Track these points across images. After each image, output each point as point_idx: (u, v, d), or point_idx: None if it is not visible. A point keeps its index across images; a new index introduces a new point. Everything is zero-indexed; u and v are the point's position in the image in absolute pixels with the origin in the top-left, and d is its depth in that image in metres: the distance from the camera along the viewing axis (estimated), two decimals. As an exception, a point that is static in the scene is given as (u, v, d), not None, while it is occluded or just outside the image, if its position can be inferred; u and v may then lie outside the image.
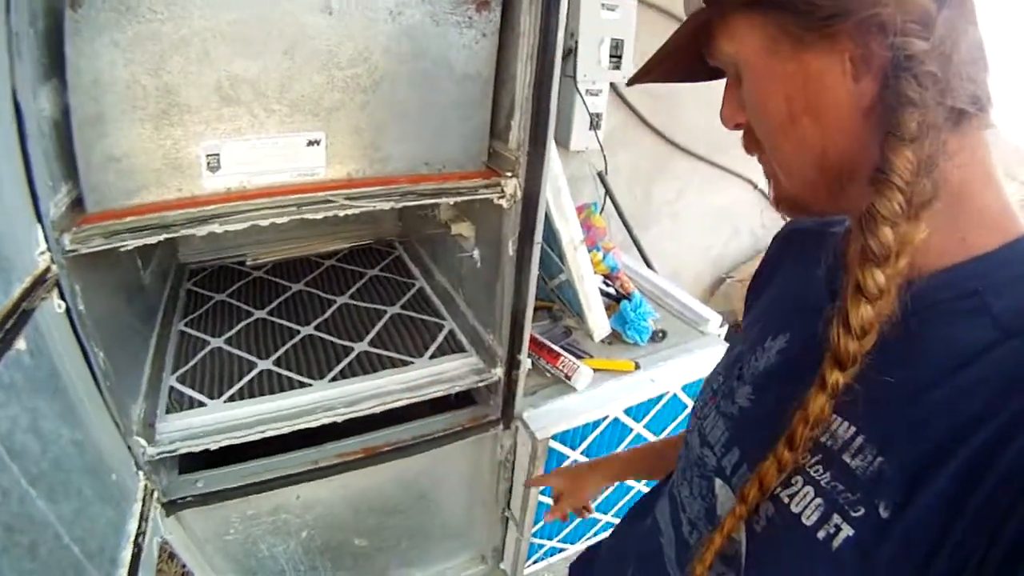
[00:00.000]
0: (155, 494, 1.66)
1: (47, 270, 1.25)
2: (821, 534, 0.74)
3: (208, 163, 1.46)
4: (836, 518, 0.73)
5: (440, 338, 2.19)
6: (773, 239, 1.22)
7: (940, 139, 0.69)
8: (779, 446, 0.77)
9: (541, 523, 2.52)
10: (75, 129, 1.31)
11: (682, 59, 0.94)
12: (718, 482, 0.95)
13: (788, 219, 1.21)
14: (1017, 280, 0.71)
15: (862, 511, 0.71)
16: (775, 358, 0.96)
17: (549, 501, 2.41)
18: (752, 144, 0.90)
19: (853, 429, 0.75)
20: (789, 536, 0.78)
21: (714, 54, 0.88)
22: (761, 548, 0.83)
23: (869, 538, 0.70)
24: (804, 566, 0.77)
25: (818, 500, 0.76)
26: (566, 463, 2.33)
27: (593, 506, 1.79)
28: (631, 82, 1.02)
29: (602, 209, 3.30)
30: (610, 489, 2.73)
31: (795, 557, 0.78)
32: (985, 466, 0.62)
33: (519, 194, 1.71)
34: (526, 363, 2.05)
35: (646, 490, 1.43)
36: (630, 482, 2.79)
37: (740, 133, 0.91)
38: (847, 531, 0.72)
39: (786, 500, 0.80)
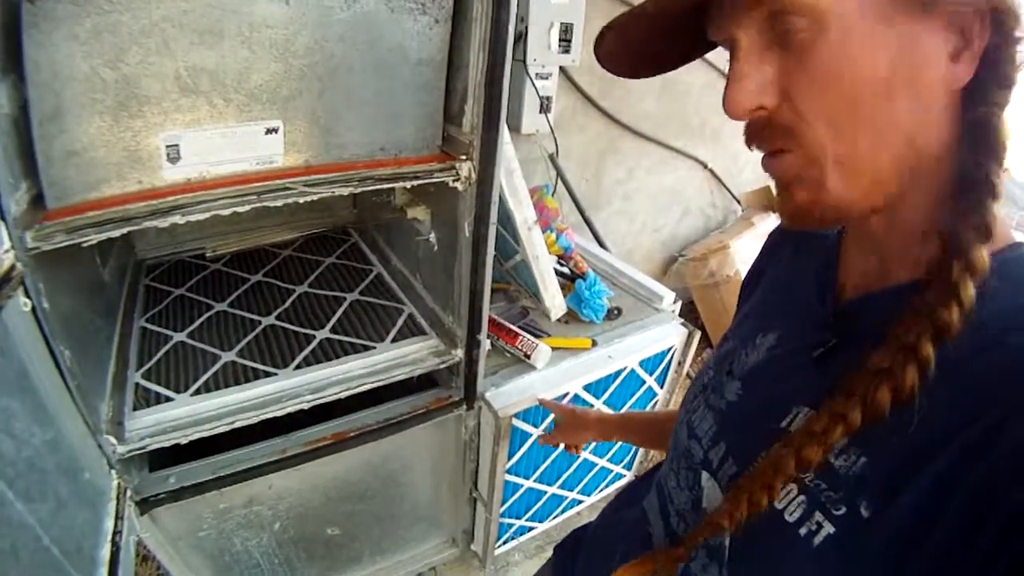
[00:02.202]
0: (128, 492, 1.66)
1: (12, 268, 1.24)
2: (803, 531, 0.76)
3: (168, 154, 1.46)
4: (818, 515, 0.75)
5: (400, 322, 2.21)
6: (769, 235, 1.22)
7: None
8: (851, 410, 0.73)
9: (509, 502, 2.55)
10: (34, 124, 1.30)
11: (663, 28, 0.83)
12: (704, 475, 0.97)
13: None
14: (1004, 287, 0.71)
15: (843, 510, 0.73)
16: (765, 355, 0.98)
17: (516, 479, 2.46)
18: (773, 137, 0.77)
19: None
20: (771, 531, 0.80)
21: (777, 3, 0.70)
22: (744, 542, 0.85)
23: (849, 536, 0.72)
24: (785, 561, 0.79)
25: (801, 497, 0.78)
26: (529, 442, 2.36)
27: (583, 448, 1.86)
28: (599, 39, 0.88)
29: (554, 191, 3.34)
30: (577, 463, 2.77)
31: (777, 552, 0.80)
32: (963, 473, 0.64)
33: (474, 176, 1.74)
34: (486, 343, 2.08)
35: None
36: (600, 461, 2.83)
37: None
38: (828, 528, 0.74)
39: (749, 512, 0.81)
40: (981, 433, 0.64)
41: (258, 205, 1.54)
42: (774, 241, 1.21)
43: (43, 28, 1.23)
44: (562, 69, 3.31)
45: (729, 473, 0.90)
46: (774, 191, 0.84)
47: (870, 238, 0.87)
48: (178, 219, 1.47)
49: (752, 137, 0.80)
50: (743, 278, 1.27)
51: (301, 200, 1.57)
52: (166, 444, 1.68)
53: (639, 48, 0.88)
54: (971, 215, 0.69)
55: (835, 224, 0.85)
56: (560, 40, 2.98)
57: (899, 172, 0.74)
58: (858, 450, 0.74)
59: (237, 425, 1.76)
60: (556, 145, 3.39)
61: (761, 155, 0.81)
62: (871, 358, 0.73)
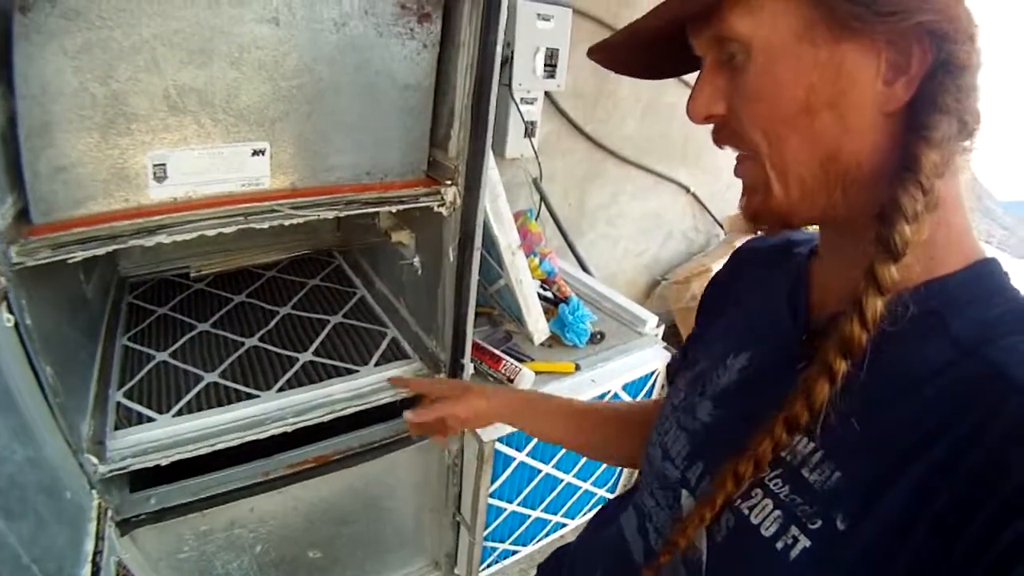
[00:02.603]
0: (109, 512, 1.65)
1: (-4, 283, 1.24)
2: (779, 544, 0.77)
3: (155, 173, 1.46)
4: (794, 529, 0.76)
5: (383, 345, 2.20)
6: (734, 253, 1.24)
7: (951, 151, 0.72)
8: (776, 425, 0.78)
9: (493, 526, 2.54)
10: (22, 138, 1.30)
11: (655, 40, 0.87)
12: (684, 493, 0.98)
13: (758, 233, 1.13)
14: (974, 301, 0.74)
15: (819, 523, 0.74)
16: (736, 375, 0.99)
17: (499, 503, 2.45)
18: (727, 139, 0.86)
19: (812, 445, 0.78)
20: (748, 546, 0.81)
21: (717, 30, 0.79)
22: (721, 557, 0.86)
23: (826, 549, 0.73)
24: (762, 575, 0.80)
25: (777, 512, 0.79)
26: (512, 465, 2.36)
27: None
28: (590, 52, 0.95)
29: (538, 215, 3.34)
30: (560, 487, 2.76)
31: (754, 566, 0.81)
32: (937, 484, 0.65)
33: (459, 202, 1.75)
34: (469, 367, 2.09)
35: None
36: (584, 484, 2.83)
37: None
38: (804, 542, 0.75)
39: (746, 512, 0.83)
40: (956, 441, 0.66)
41: (244, 226, 1.54)
42: (741, 259, 1.23)
43: (34, 41, 1.23)
44: (547, 94, 3.32)
45: (708, 491, 0.90)
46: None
47: (841, 256, 0.91)
48: (164, 239, 1.47)
49: (719, 139, 0.87)
50: (703, 294, 1.29)
51: (287, 223, 1.57)
52: (147, 465, 1.67)
53: (631, 60, 0.95)
54: (880, 232, 0.72)
55: (783, 228, 0.87)
56: (545, 65, 3.01)
57: (828, 184, 0.79)
58: (832, 464, 0.76)
59: (219, 447, 1.75)
60: (540, 169, 3.40)
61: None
62: (803, 374, 0.77)
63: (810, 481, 0.77)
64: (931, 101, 0.72)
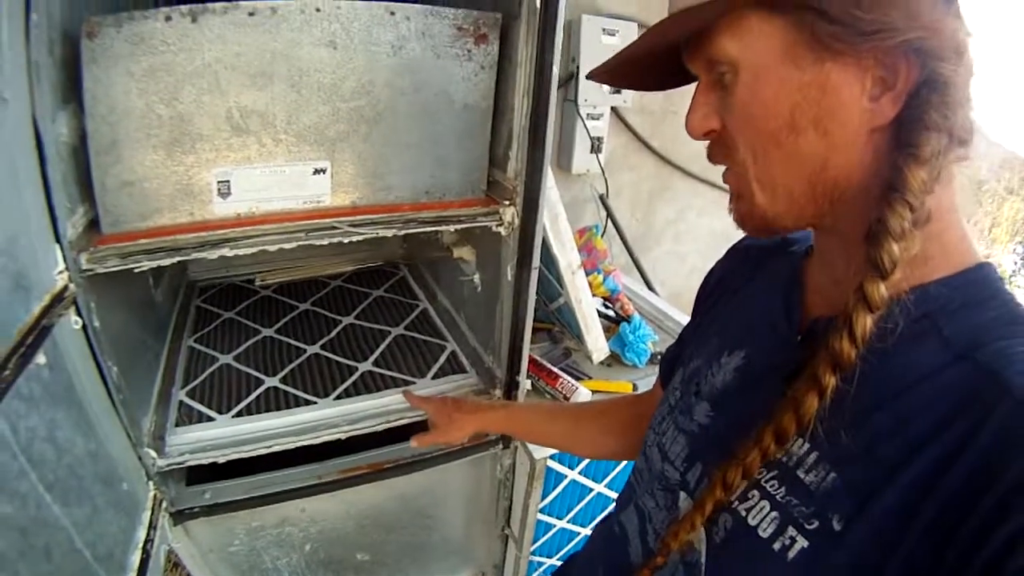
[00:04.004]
0: (163, 504, 1.70)
1: (65, 288, 1.29)
2: (776, 545, 0.79)
3: (219, 189, 1.50)
4: (791, 530, 0.78)
5: (442, 359, 2.22)
6: (729, 251, 1.26)
7: (941, 164, 0.73)
8: (765, 435, 0.80)
9: (541, 541, 2.55)
10: (91, 154, 1.35)
11: (653, 60, 0.92)
12: (682, 495, 0.99)
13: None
14: (968, 305, 0.76)
15: (816, 524, 0.76)
16: (731, 375, 1.01)
17: (549, 519, 2.45)
18: (722, 154, 0.89)
19: (808, 446, 0.80)
20: (746, 547, 0.83)
21: (707, 53, 0.83)
22: (720, 558, 0.88)
23: (823, 549, 0.75)
24: (761, 575, 0.81)
25: (774, 513, 0.80)
26: (564, 483, 2.35)
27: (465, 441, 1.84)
28: (590, 76, 1.01)
29: (603, 231, 3.32)
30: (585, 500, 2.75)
31: (752, 567, 0.83)
32: (932, 485, 0.67)
33: (516, 222, 1.76)
34: (525, 384, 2.09)
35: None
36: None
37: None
38: (802, 542, 0.77)
39: (743, 513, 0.84)
40: (949, 444, 0.67)
41: (305, 242, 1.58)
42: (737, 258, 1.24)
43: (101, 64, 1.28)
44: (614, 109, 3.31)
45: (698, 496, 0.92)
46: None
47: (829, 261, 0.93)
48: (226, 252, 1.51)
49: (712, 153, 0.92)
50: (699, 287, 1.31)
51: (346, 240, 1.61)
52: (204, 462, 1.72)
53: (634, 76, 1.00)
54: (870, 253, 0.74)
55: (770, 232, 0.90)
56: (612, 80, 3.00)
57: (815, 196, 0.82)
58: (828, 466, 0.77)
59: (275, 450, 1.79)
60: (607, 185, 3.40)
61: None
62: (792, 386, 0.79)
63: (806, 482, 0.79)
64: (918, 117, 0.74)
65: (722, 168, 0.92)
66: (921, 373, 0.74)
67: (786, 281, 1.02)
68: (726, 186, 0.93)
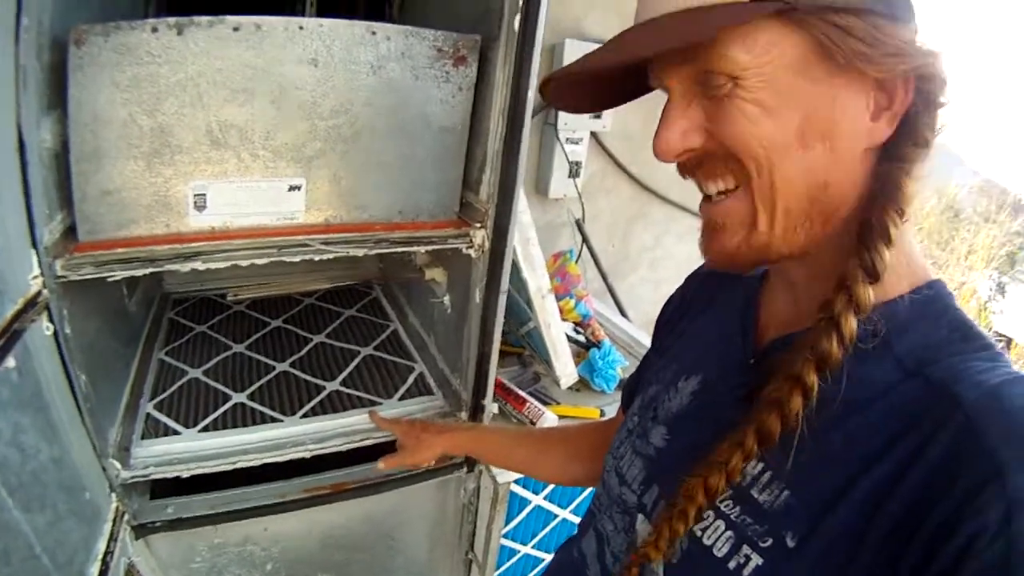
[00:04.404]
0: (125, 516, 1.68)
1: (39, 293, 1.29)
2: (732, 564, 0.80)
3: (195, 202, 1.52)
4: (746, 548, 0.79)
5: (410, 380, 2.22)
6: (687, 279, 1.28)
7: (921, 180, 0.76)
8: (748, 437, 0.80)
9: (505, 566, 2.54)
10: (73, 161, 1.36)
11: (620, 70, 0.88)
12: (640, 517, 1.00)
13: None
14: (918, 323, 0.78)
15: (770, 541, 0.77)
16: (688, 399, 1.02)
17: (513, 545, 2.45)
18: (706, 173, 0.85)
19: (761, 466, 0.82)
20: (702, 567, 0.84)
21: (703, 62, 0.78)
22: None
23: (777, 566, 0.76)
24: None
25: (728, 533, 0.82)
26: (528, 508, 2.36)
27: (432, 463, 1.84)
28: (545, 81, 0.94)
29: (578, 257, 3.34)
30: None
31: None
32: (884, 501, 0.69)
33: (487, 245, 1.77)
34: (491, 408, 2.09)
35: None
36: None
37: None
38: (756, 560, 0.78)
39: (699, 533, 0.85)
40: (901, 458, 0.69)
41: (276, 258, 1.58)
42: (694, 285, 1.26)
43: (87, 72, 1.29)
44: (593, 134, 3.35)
45: (663, 516, 0.92)
46: (701, 236, 0.91)
47: (790, 283, 0.94)
48: (199, 265, 1.51)
49: (688, 170, 0.88)
50: (658, 315, 1.32)
51: (317, 258, 1.61)
52: (168, 475, 1.71)
53: (585, 92, 0.96)
54: (863, 255, 0.75)
55: (757, 266, 0.90)
56: (592, 105, 3.02)
57: (812, 216, 0.81)
58: (781, 484, 0.79)
59: (239, 466, 1.78)
60: (583, 210, 3.42)
61: (703, 203, 0.89)
62: (766, 389, 0.79)
63: (760, 501, 0.80)
64: (910, 135, 0.77)
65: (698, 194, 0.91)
66: (873, 391, 0.75)
67: (741, 306, 1.04)
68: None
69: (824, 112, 0.77)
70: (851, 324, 0.74)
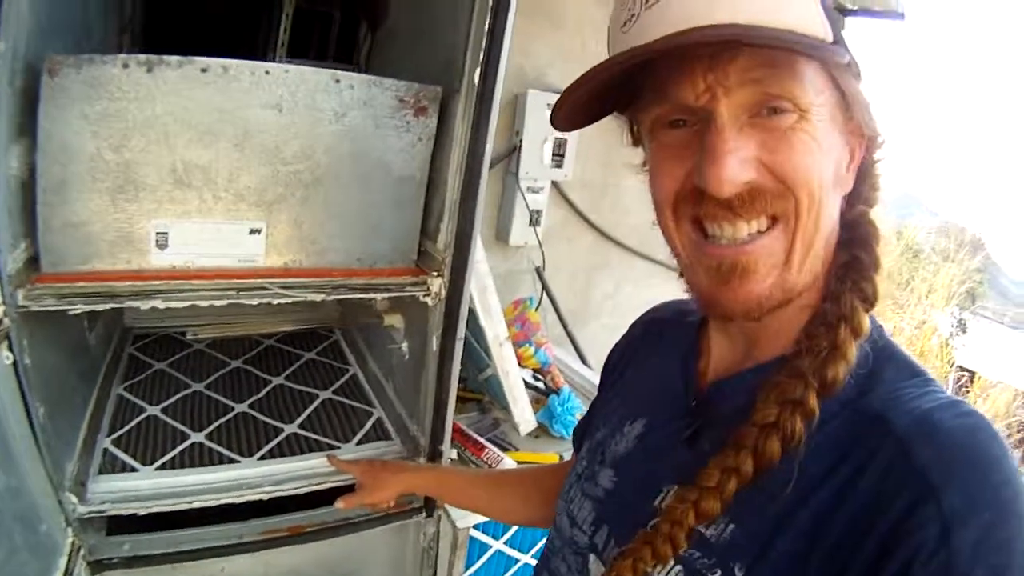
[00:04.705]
0: (82, 551, 1.67)
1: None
2: None
3: (157, 240, 1.53)
4: None
5: (368, 425, 2.21)
6: (633, 325, 1.31)
7: None
8: (744, 463, 0.80)
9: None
10: (39, 191, 1.38)
11: (609, 90, 0.87)
12: (592, 557, 1.02)
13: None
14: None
15: (719, 573, 0.80)
16: (633, 442, 1.05)
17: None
18: (758, 209, 0.80)
19: None
20: None
21: (772, 87, 0.77)
22: None
23: None
24: None
25: (678, 568, 0.84)
26: (489, 553, 2.35)
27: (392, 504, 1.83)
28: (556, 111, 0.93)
29: (539, 304, 3.36)
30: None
31: None
32: (824, 527, 0.72)
33: (443, 293, 1.79)
34: (449, 454, 2.10)
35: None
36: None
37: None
38: None
39: (649, 570, 0.87)
40: (840, 486, 0.73)
41: (235, 301, 1.60)
42: (638, 332, 1.29)
43: (58, 103, 1.31)
44: (554, 183, 3.40)
45: (613, 554, 0.94)
46: (712, 283, 0.86)
47: (726, 328, 0.97)
48: (159, 303, 1.52)
49: (732, 207, 0.80)
50: (604, 362, 1.35)
51: (275, 301, 1.63)
52: (124, 512, 1.69)
53: (580, 108, 0.93)
54: (859, 286, 0.81)
55: (771, 311, 0.84)
56: (553, 155, 3.11)
57: (824, 256, 0.85)
58: (726, 519, 0.81)
59: (196, 506, 1.77)
60: (543, 258, 3.46)
61: (712, 246, 0.84)
62: (756, 414, 0.81)
63: (707, 536, 0.83)
64: (866, 181, 0.87)
65: (660, 242, 0.92)
66: (815, 424, 0.78)
67: (683, 351, 1.07)
68: (661, 260, 0.91)
69: (841, 159, 0.84)
70: (853, 350, 0.78)
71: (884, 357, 0.83)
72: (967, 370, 9.74)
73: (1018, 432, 8.64)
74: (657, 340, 1.19)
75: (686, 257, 0.91)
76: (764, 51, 0.75)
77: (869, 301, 0.81)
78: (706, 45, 0.75)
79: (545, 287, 3.56)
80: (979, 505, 0.66)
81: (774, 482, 0.78)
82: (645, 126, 0.91)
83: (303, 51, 2.95)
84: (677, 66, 0.80)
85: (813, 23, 0.76)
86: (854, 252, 0.85)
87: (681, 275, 0.96)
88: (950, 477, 0.67)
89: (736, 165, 0.77)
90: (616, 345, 1.34)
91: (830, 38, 0.77)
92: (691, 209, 0.85)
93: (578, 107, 0.92)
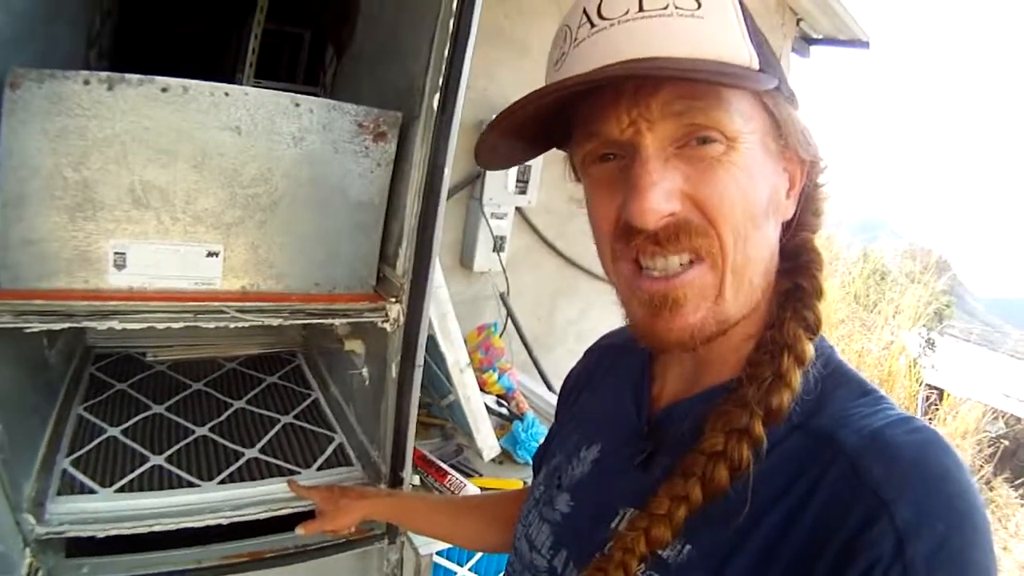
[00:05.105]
0: (40, 573, 1.64)
1: (-44, 337, 1.28)
2: None
3: (115, 260, 1.52)
4: None
5: (329, 450, 2.20)
6: (588, 351, 1.32)
7: None
8: (693, 490, 0.80)
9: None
10: None
11: (546, 120, 0.87)
12: None
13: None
14: (802, 379, 0.81)
15: None
16: (589, 467, 1.05)
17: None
18: (674, 241, 0.79)
19: None
20: None
21: (696, 118, 0.77)
22: None
23: None
24: None
25: None
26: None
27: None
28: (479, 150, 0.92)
29: (503, 330, 3.37)
30: None
31: None
32: (778, 546, 0.73)
33: (402, 319, 1.79)
34: (411, 479, 2.09)
35: None
36: None
37: None
38: None
39: None
40: (793, 505, 0.74)
41: (192, 324, 1.60)
42: (593, 358, 1.30)
43: (19, 117, 1.32)
44: (518, 209, 3.42)
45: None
46: (646, 315, 0.86)
47: (679, 354, 0.97)
48: (115, 324, 1.52)
49: (650, 246, 0.81)
50: (560, 388, 1.37)
51: (232, 325, 1.62)
52: (83, 534, 1.68)
53: (507, 145, 0.95)
54: (801, 315, 0.81)
55: (707, 342, 0.83)
56: (517, 181, 3.14)
57: (763, 285, 0.86)
58: (682, 539, 0.82)
59: (155, 529, 1.75)
60: (507, 284, 3.47)
61: (640, 279, 0.85)
62: (704, 443, 0.81)
63: (664, 557, 0.83)
64: (809, 207, 0.88)
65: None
66: (767, 445, 0.78)
67: (636, 377, 1.08)
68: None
69: (778, 186, 0.84)
70: (797, 378, 0.79)
71: (834, 378, 0.83)
72: (936, 388, 9.83)
73: (989, 447, 8.72)
74: (611, 365, 1.20)
75: (623, 291, 0.92)
76: (687, 83, 0.76)
77: (811, 329, 0.81)
78: (628, 79, 0.77)
79: (510, 313, 3.57)
80: (932, 517, 0.67)
81: (728, 504, 0.78)
82: (578, 161, 0.91)
83: (273, 72, 2.95)
84: (601, 102, 0.81)
85: (737, 52, 0.77)
86: (796, 280, 0.86)
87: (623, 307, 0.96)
88: (902, 491, 0.68)
89: (659, 197, 0.78)
90: (572, 370, 1.35)
91: (756, 65, 0.78)
92: (626, 247, 0.85)
93: (508, 144, 0.94)
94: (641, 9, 0.77)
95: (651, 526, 0.82)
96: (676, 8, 0.76)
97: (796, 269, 0.87)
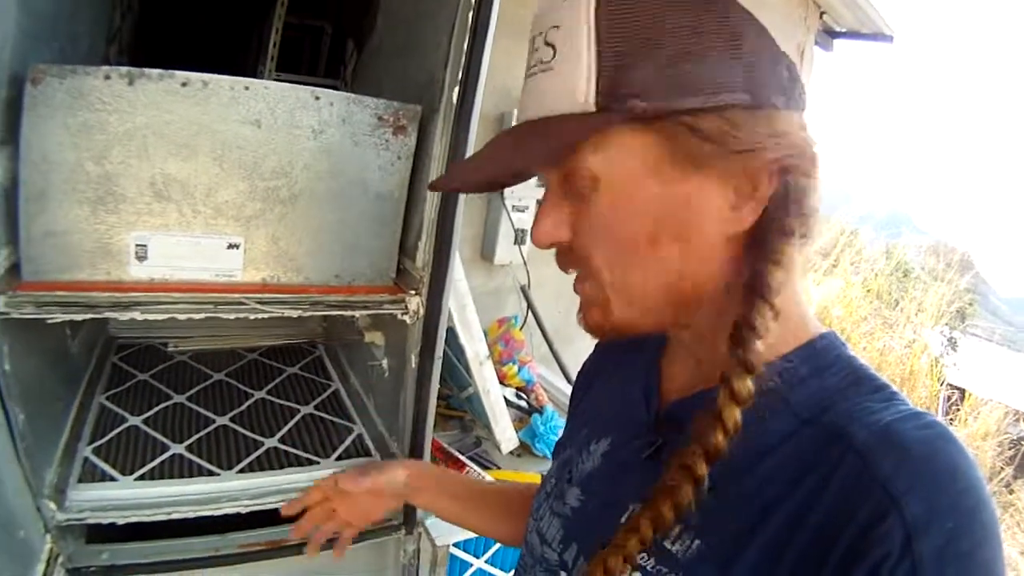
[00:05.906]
0: (60, 559, 1.66)
1: (-21, 328, 1.30)
2: None
3: (136, 252, 1.53)
4: None
5: (348, 441, 2.20)
6: (596, 346, 1.33)
7: (793, 259, 0.81)
8: (643, 525, 0.82)
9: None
10: (21, 200, 1.38)
11: (501, 165, 0.92)
12: (562, 575, 1.03)
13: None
14: (811, 374, 0.83)
15: None
16: (599, 460, 1.06)
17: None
18: (573, 263, 0.91)
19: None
20: None
21: (566, 165, 0.84)
22: None
23: None
24: None
25: None
26: (469, 572, 2.34)
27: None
28: (433, 187, 1.05)
29: (523, 323, 3.39)
30: None
31: None
32: (788, 542, 0.73)
33: (421, 311, 1.80)
34: (427, 471, 2.09)
35: None
36: None
37: None
38: None
39: None
40: (803, 500, 0.74)
41: (213, 315, 1.61)
42: (603, 351, 1.32)
43: (41, 112, 1.32)
44: (539, 202, 3.29)
45: (584, 572, 0.94)
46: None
47: (686, 349, 0.99)
48: (137, 315, 1.53)
49: (561, 262, 0.93)
50: (574, 382, 1.40)
51: (252, 316, 1.64)
52: (103, 521, 1.69)
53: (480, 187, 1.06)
54: (738, 352, 0.79)
55: (625, 337, 0.97)
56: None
57: (672, 303, 0.87)
58: (691, 533, 0.83)
59: (174, 517, 1.76)
60: (528, 277, 3.47)
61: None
62: (664, 475, 0.82)
63: (673, 551, 0.83)
64: (777, 224, 0.82)
65: None
66: (773, 442, 0.80)
67: (645, 369, 1.09)
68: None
69: (679, 214, 0.82)
70: (734, 417, 0.78)
71: (841, 373, 0.83)
72: (958, 388, 9.77)
73: (1010, 449, 8.65)
74: (621, 359, 1.19)
75: None
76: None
77: (746, 367, 0.78)
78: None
79: (530, 306, 3.57)
80: (942, 513, 0.67)
81: (737, 500, 0.79)
82: None
83: (294, 66, 2.96)
84: None
85: (575, 98, 0.80)
86: (741, 311, 0.82)
87: None
88: (912, 487, 0.68)
89: (547, 227, 0.89)
90: (584, 364, 1.37)
91: (592, 107, 0.79)
92: None
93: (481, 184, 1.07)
94: (529, 67, 0.89)
95: (607, 559, 0.85)
96: (540, 63, 0.86)
97: (744, 299, 0.82)
